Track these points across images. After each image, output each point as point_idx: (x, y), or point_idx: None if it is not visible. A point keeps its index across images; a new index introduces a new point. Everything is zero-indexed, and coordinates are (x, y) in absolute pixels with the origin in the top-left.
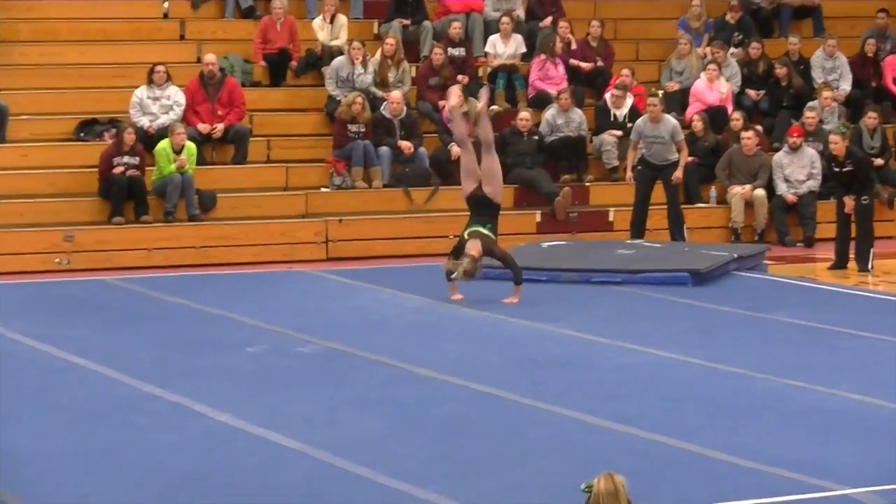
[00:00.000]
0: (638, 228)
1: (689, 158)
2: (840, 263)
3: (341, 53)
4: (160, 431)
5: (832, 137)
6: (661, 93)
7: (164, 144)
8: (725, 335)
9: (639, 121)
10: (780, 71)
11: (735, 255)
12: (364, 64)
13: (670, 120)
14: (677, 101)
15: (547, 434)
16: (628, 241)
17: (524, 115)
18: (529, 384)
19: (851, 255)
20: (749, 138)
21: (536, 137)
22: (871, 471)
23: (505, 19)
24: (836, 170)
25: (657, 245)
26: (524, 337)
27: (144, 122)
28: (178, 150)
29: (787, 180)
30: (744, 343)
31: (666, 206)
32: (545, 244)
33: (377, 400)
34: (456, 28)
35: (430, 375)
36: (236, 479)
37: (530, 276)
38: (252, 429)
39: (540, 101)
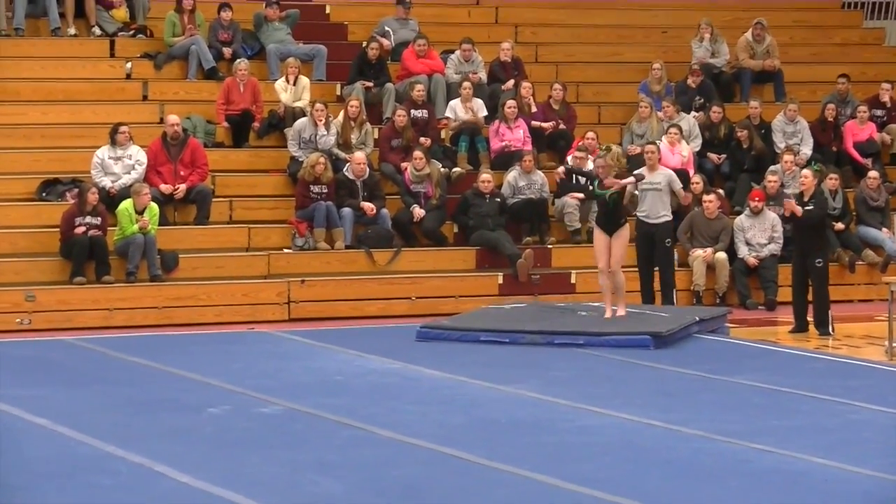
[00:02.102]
0: (646, 291)
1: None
2: (800, 327)
3: (304, 115)
4: (123, 492)
5: (805, 172)
6: (658, 141)
7: (126, 205)
8: (686, 398)
9: (639, 171)
10: (742, 134)
11: (697, 318)
12: (327, 125)
13: (666, 169)
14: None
15: (506, 496)
16: (589, 304)
17: (486, 176)
18: (490, 446)
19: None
20: (711, 202)
21: (498, 199)
22: None
23: (465, 84)
24: (798, 206)
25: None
26: (486, 399)
27: (106, 182)
28: (140, 211)
29: (748, 244)
30: (705, 406)
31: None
32: (507, 306)
33: (337, 462)
34: (419, 91)
35: (390, 437)
36: None
37: (491, 337)
38: (212, 489)
39: (502, 163)
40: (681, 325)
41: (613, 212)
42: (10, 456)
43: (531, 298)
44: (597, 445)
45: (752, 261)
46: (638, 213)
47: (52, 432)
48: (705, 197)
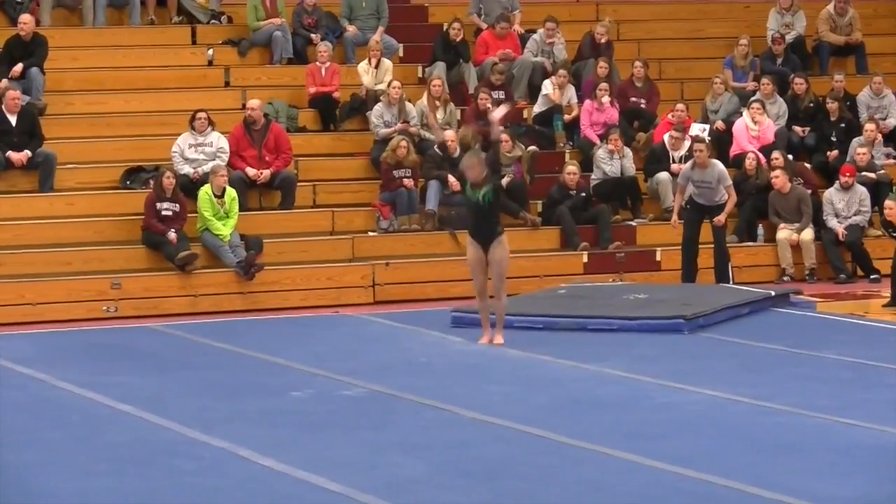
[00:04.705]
0: (688, 270)
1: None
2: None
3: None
4: (204, 476)
5: (887, 203)
6: (707, 139)
7: (205, 189)
8: (771, 373)
9: (686, 166)
10: (832, 105)
11: (730, 303)
12: (402, 105)
13: (717, 165)
14: (726, 141)
15: (590, 475)
16: (641, 285)
17: (572, 169)
18: (572, 424)
19: None
20: (777, 177)
21: (584, 194)
22: None
23: (562, 72)
24: (894, 235)
25: (671, 288)
26: (568, 378)
27: (187, 169)
28: (219, 194)
29: (837, 216)
30: (790, 381)
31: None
32: (562, 290)
33: (420, 443)
34: (498, 77)
35: (473, 417)
36: None
37: (525, 323)
38: (295, 472)
39: (589, 144)
40: (713, 309)
41: (488, 215)
42: (94, 442)
43: (617, 275)
44: (680, 422)
45: (841, 231)
46: (694, 196)
47: (136, 418)
48: (773, 174)
